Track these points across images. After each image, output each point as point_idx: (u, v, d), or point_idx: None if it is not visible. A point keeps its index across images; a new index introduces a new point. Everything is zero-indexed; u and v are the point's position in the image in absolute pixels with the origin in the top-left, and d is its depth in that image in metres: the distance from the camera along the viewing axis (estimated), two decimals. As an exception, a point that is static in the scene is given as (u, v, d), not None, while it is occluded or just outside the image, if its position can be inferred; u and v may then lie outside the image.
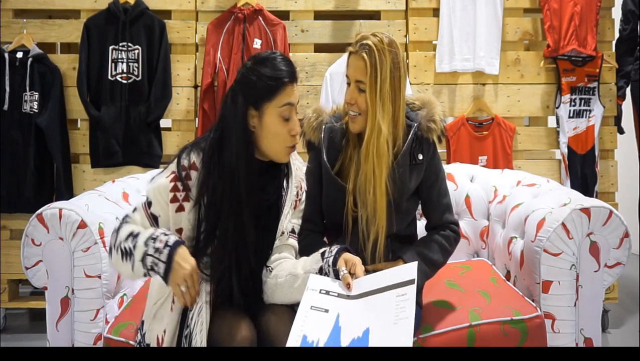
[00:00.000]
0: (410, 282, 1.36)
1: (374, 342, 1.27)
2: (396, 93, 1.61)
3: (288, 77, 1.51)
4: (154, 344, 1.50)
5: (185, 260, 1.42)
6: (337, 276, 1.45)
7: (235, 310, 1.50)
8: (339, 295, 1.40)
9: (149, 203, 1.53)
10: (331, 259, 1.48)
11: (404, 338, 1.24)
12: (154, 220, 1.52)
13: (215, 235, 1.49)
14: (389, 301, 1.34)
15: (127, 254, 1.45)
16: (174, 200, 1.50)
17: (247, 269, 1.52)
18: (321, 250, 1.53)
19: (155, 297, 1.54)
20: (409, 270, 1.41)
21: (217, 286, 1.51)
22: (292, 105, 1.53)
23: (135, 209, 1.56)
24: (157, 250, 1.42)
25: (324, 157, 1.68)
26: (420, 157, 1.66)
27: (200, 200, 1.49)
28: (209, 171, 1.49)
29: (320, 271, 1.48)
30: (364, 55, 1.58)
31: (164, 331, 1.47)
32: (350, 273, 1.45)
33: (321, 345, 1.27)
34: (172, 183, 1.50)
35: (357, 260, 1.47)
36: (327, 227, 1.75)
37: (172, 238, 1.45)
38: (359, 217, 1.62)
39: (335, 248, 1.51)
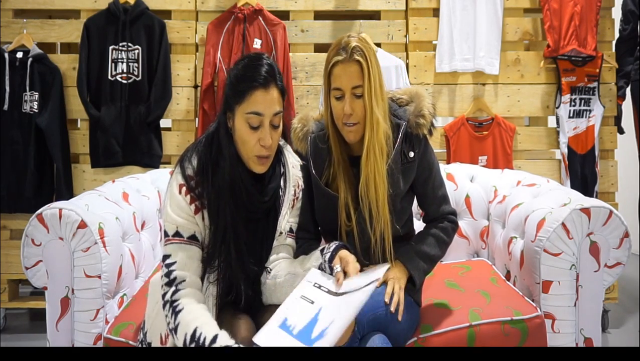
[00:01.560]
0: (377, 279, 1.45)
1: (330, 329, 1.32)
2: (382, 85, 1.61)
3: (258, 82, 1.44)
4: (156, 342, 1.49)
5: None
6: (332, 270, 1.47)
7: (235, 311, 1.49)
8: (329, 291, 1.43)
9: (177, 234, 1.44)
10: (328, 255, 1.48)
11: (350, 311, 1.34)
12: (195, 240, 1.45)
13: (218, 240, 1.47)
14: (363, 297, 1.38)
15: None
16: (197, 210, 1.46)
17: (251, 272, 1.52)
18: (320, 247, 1.54)
19: (157, 296, 1.54)
20: (384, 268, 1.52)
21: (223, 293, 1.50)
22: (259, 115, 1.45)
23: (170, 258, 1.42)
24: None
25: (312, 169, 1.67)
26: (412, 154, 1.65)
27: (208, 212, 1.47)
28: (205, 171, 1.48)
29: (320, 269, 1.49)
30: (359, 58, 1.54)
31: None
32: (343, 271, 1.45)
33: (295, 331, 1.33)
34: (188, 196, 1.46)
35: (351, 258, 1.47)
36: (323, 233, 1.76)
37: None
38: (363, 217, 1.61)
39: (333, 245, 1.51)
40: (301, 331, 1.33)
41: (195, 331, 1.35)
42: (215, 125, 1.54)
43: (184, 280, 1.42)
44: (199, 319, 1.37)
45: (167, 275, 1.42)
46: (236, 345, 1.32)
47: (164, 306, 1.42)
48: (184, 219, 1.45)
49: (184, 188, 1.47)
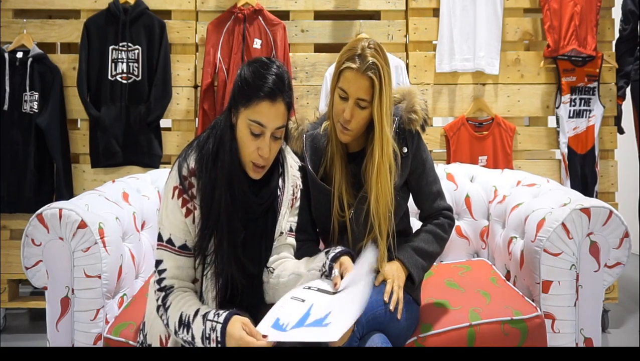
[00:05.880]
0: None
1: (330, 320, 1.32)
2: (391, 98, 1.61)
3: (265, 93, 1.40)
4: (155, 344, 1.49)
5: (233, 338, 1.32)
6: (331, 270, 1.47)
7: (236, 311, 1.49)
8: (319, 290, 1.44)
9: (169, 241, 1.46)
10: (331, 255, 1.48)
11: (355, 309, 1.32)
12: (186, 249, 1.47)
13: (209, 230, 1.47)
14: (363, 288, 1.37)
15: (189, 343, 1.40)
16: (187, 213, 1.46)
17: (246, 272, 1.52)
18: (326, 250, 1.53)
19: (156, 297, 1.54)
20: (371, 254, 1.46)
21: (221, 290, 1.50)
22: (262, 125, 1.42)
23: (162, 265, 1.46)
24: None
25: (308, 165, 1.68)
26: (405, 150, 1.66)
27: (201, 203, 1.47)
28: (205, 161, 1.47)
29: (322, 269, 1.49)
30: (372, 75, 1.53)
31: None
32: (341, 275, 1.45)
33: (289, 328, 1.32)
34: (180, 199, 1.46)
35: (350, 266, 1.46)
36: (319, 233, 1.76)
37: (219, 328, 1.34)
38: (362, 221, 1.62)
39: (340, 248, 1.51)
40: (294, 326, 1.32)
41: (180, 315, 1.41)
42: (222, 118, 1.52)
43: (172, 286, 1.47)
44: (184, 306, 1.42)
45: (159, 281, 1.47)
46: (214, 310, 1.38)
47: (157, 309, 1.47)
48: (176, 227, 1.46)
49: (177, 191, 1.46)
